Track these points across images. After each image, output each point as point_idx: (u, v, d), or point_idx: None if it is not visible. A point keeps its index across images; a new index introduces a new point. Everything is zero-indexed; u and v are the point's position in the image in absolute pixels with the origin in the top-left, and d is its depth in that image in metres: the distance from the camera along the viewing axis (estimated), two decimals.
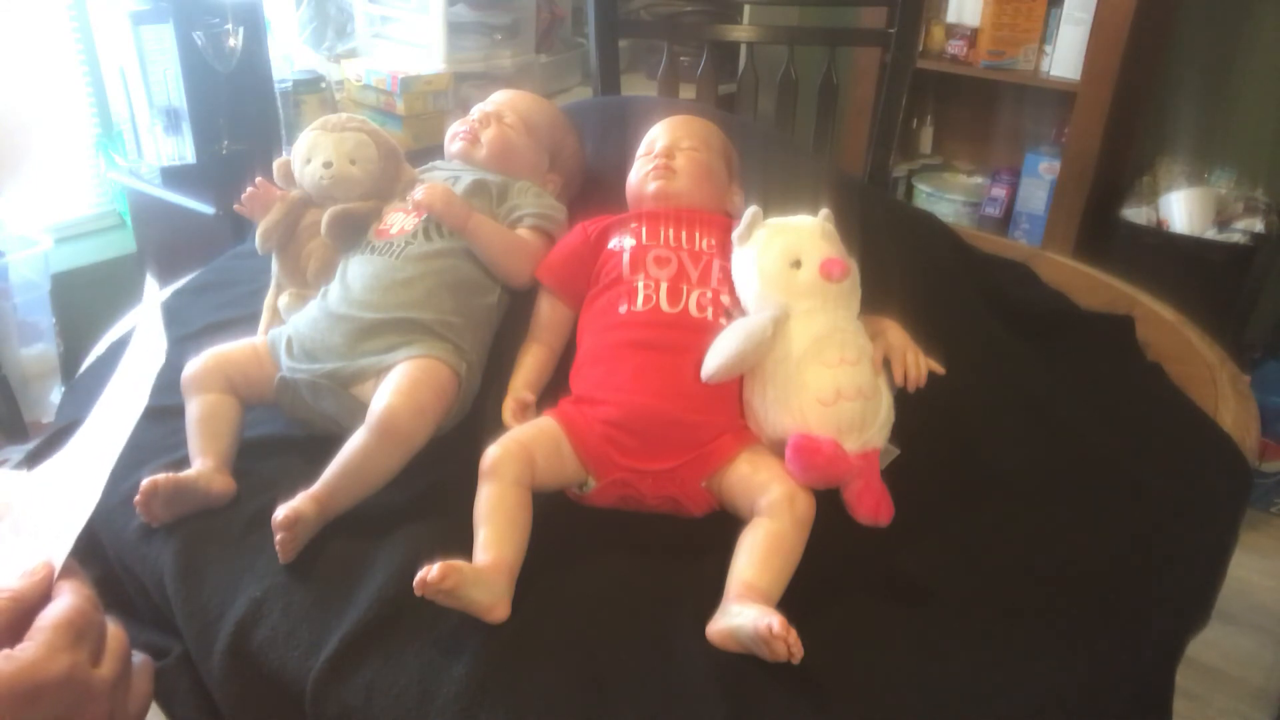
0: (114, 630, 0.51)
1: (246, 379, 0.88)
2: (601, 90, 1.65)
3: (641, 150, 1.02)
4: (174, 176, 1.83)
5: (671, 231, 0.92)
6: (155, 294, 0.65)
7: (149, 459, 0.85)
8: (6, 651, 0.45)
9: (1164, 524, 0.83)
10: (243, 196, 1.02)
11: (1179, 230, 2.07)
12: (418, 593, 0.65)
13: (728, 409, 0.83)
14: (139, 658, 0.53)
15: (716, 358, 0.81)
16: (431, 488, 0.81)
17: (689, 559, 0.76)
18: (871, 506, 0.76)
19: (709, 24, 2.20)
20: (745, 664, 0.65)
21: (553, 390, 0.90)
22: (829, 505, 0.76)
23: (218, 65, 1.74)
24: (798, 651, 0.62)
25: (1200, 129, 2.23)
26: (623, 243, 0.92)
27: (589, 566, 0.75)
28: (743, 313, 0.86)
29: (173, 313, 1.13)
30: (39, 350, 1.91)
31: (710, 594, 0.70)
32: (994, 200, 2.44)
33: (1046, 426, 0.94)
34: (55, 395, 1.91)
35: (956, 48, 2.28)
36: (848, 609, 0.72)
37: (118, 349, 1.07)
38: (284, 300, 1.00)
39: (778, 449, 0.79)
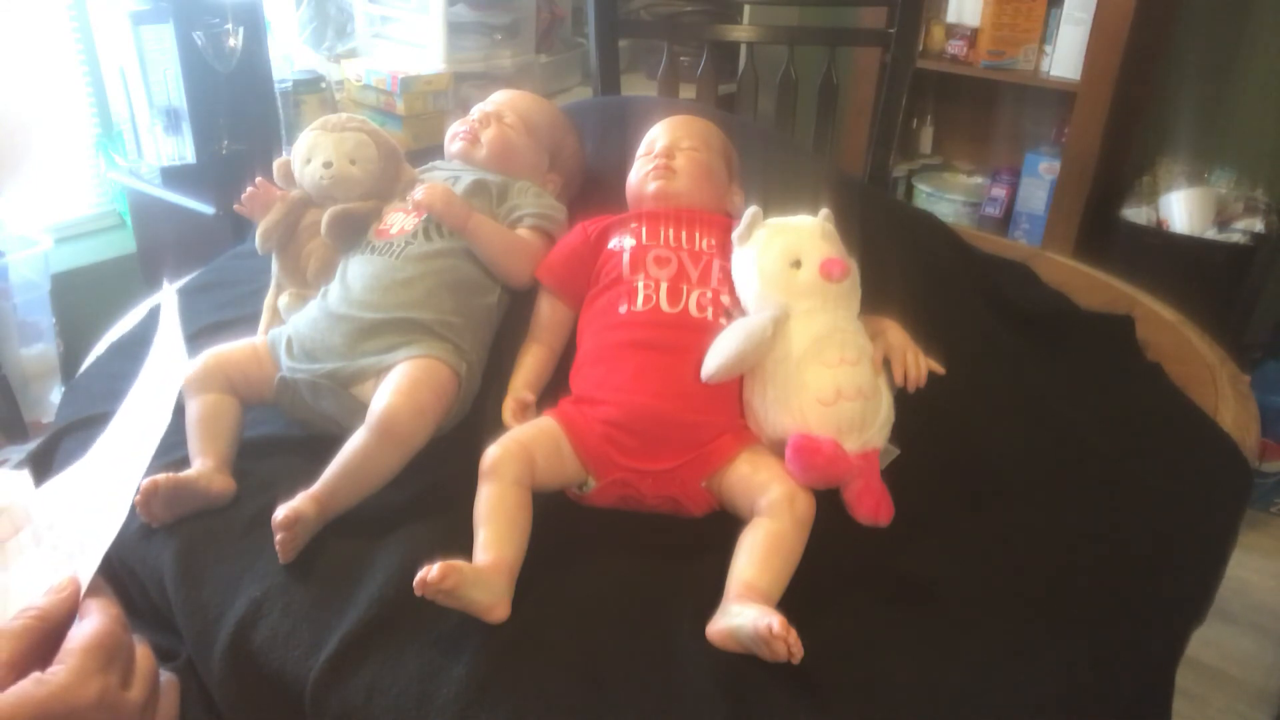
0: (142, 651, 0.51)
1: (246, 379, 0.88)
2: (601, 90, 1.65)
3: (641, 150, 1.02)
4: (174, 176, 1.83)
5: (671, 231, 0.92)
6: (173, 307, 0.65)
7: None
8: (37, 675, 0.45)
9: (1164, 524, 0.83)
10: (243, 196, 1.02)
11: (1179, 230, 2.07)
12: (418, 593, 0.65)
13: (728, 409, 0.83)
14: (166, 677, 0.53)
15: (716, 358, 0.81)
16: (431, 488, 0.81)
17: (689, 559, 0.76)
18: (871, 506, 0.76)
19: (709, 24, 2.20)
20: (745, 664, 0.65)
21: (553, 390, 0.90)
22: (829, 505, 0.76)
23: (218, 65, 1.74)
24: (798, 651, 0.62)
25: (1200, 129, 2.23)
26: (623, 243, 0.92)
27: (589, 566, 0.75)
28: (743, 313, 0.86)
29: None
30: (39, 350, 1.91)
31: (710, 594, 0.70)
32: (994, 200, 2.44)
33: (1046, 426, 0.94)
34: (55, 395, 1.91)
35: (956, 48, 2.28)
36: (848, 609, 0.72)
37: (118, 349, 1.07)
38: (284, 300, 1.00)
39: (778, 449, 0.79)
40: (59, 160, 2.04)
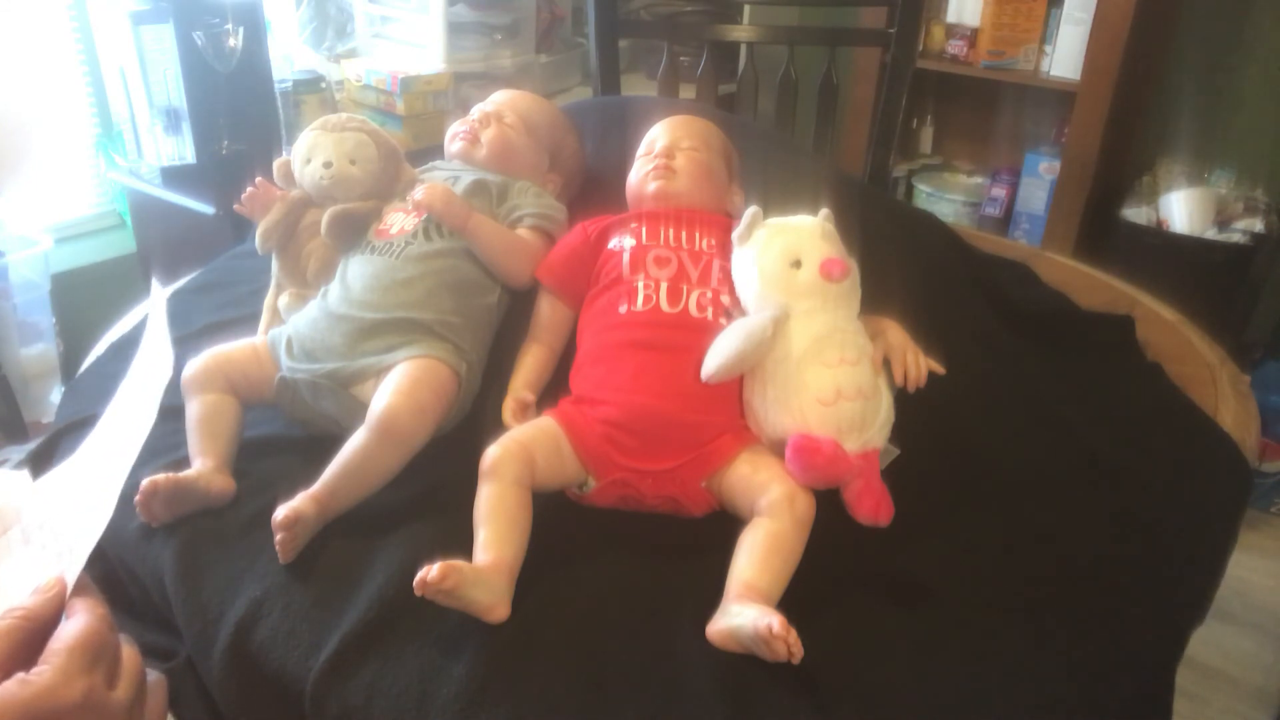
0: (128, 651, 0.50)
1: (246, 379, 0.88)
2: (601, 90, 1.65)
3: (641, 150, 1.02)
4: (174, 176, 1.83)
5: (671, 231, 0.92)
6: (161, 306, 0.65)
7: (149, 459, 0.85)
8: (21, 676, 0.45)
9: (1164, 524, 0.83)
10: (243, 196, 1.02)
11: (1179, 230, 2.07)
12: (418, 593, 0.65)
13: (728, 409, 0.83)
14: (153, 676, 0.53)
15: (716, 358, 0.81)
16: (431, 488, 0.81)
17: (689, 559, 0.76)
18: (871, 506, 0.76)
19: (709, 24, 2.20)
20: (745, 664, 0.65)
21: (553, 390, 0.90)
22: (829, 505, 0.76)
23: (218, 65, 1.74)
24: (798, 651, 0.62)
25: (1200, 129, 2.23)
26: (623, 243, 0.92)
27: (589, 566, 0.75)
28: (743, 313, 0.86)
29: (173, 313, 1.13)
30: (39, 350, 1.91)
31: (710, 594, 0.70)
32: (994, 200, 2.44)
33: (1046, 426, 0.94)
34: (55, 395, 1.91)
35: (956, 48, 2.28)
36: (848, 609, 0.72)
37: (118, 349, 1.07)
38: (284, 300, 1.00)
39: (778, 449, 0.79)
40: (59, 160, 2.04)
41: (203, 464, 0.81)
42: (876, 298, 0.89)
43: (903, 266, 1.01)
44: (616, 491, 0.80)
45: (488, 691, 0.64)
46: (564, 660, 0.67)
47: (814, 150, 1.66)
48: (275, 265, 1.03)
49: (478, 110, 1.07)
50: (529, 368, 0.91)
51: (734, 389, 0.84)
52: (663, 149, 0.98)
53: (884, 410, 0.82)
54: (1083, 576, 0.77)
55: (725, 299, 0.88)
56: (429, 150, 1.41)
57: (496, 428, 0.83)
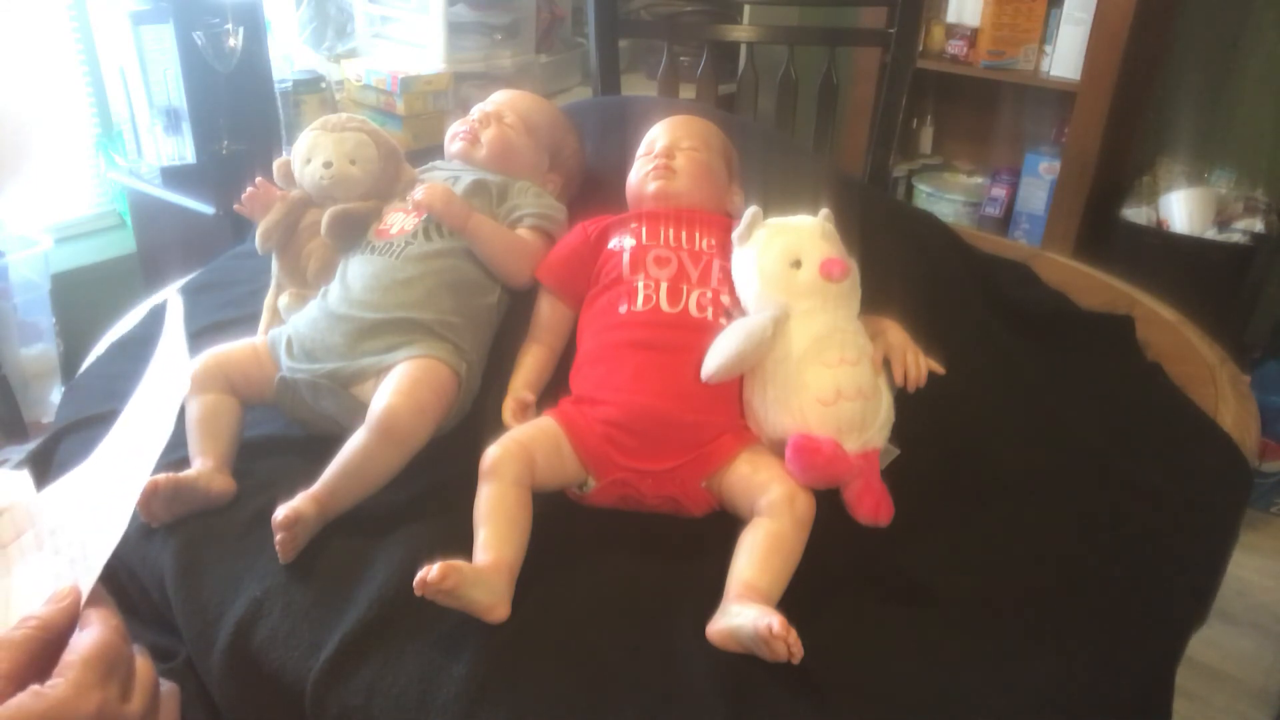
0: (142, 662, 0.50)
1: (246, 379, 0.88)
2: (601, 90, 1.65)
3: (641, 150, 1.02)
4: (174, 176, 1.83)
5: (671, 231, 0.92)
6: (179, 317, 0.65)
7: None
8: (36, 688, 0.45)
9: (1164, 524, 0.83)
10: (243, 196, 1.02)
11: (1179, 230, 2.07)
12: (418, 593, 0.65)
13: (728, 409, 0.83)
14: (166, 686, 0.53)
15: (716, 358, 0.81)
16: (431, 488, 0.81)
17: (689, 559, 0.76)
18: (871, 506, 0.76)
19: (709, 24, 2.20)
20: (745, 664, 0.65)
21: (553, 390, 0.90)
22: (829, 505, 0.76)
23: (218, 65, 1.74)
24: (798, 651, 0.62)
25: (1200, 129, 2.23)
26: (623, 243, 0.92)
27: (589, 566, 0.75)
28: (743, 313, 0.86)
29: None
30: (39, 350, 1.91)
31: (710, 594, 0.70)
32: (994, 200, 2.44)
33: (1046, 426, 0.94)
34: (55, 395, 1.91)
35: (956, 48, 2.28)
36: (848, 609, 0.72)
37: (118, 349, 1.07)
38: (284, 300, 1.00)
39: (778, 449, 0.79)
40: (59, 160, 2.04)
41: (203, 464, 0.81)
42: (876, 298, 0.89)
43: (903, 266, 1.01)
44: (616, 491, 0.80)
45: (488, 691, 0.64)
46: (564, 660, 0.67)
47: (814, 150, 1.66)
48: (275, 265, 1.03)
49: (478, 110, 1.07)
50: (529, 368, 0.91)
51: (734, 389, 0.84)
52: (663, 149, 0.98)
53: (884, 410, 0.82)
54: (1083, 576, 0.77)
55: (725, 299, 0.88)
56: (429, 150, 1.41)
57: (496, 428, 0.83)
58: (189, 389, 0.86)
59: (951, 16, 2.29)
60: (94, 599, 0.50)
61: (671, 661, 0.67)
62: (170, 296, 0.71)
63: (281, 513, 0.73)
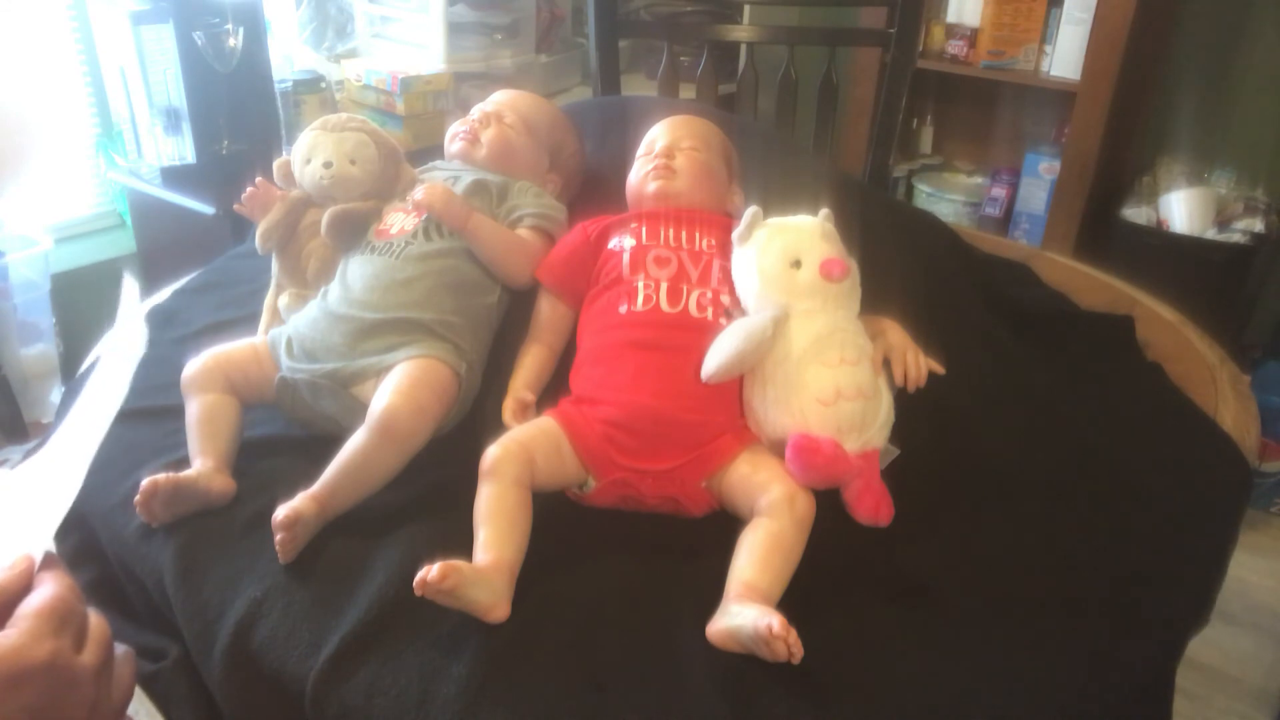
0: (96, 619, 0.51)
1: (246, 379, 0.88)
2: (601, 90, 1.65)
3: (641, 150, 1.02)
4: (174, 176, 1.83)
5: (671, 231, 0.92)
6: (133, 289, 0.66)
7: (149, 459, 0.85)
8: None
9: (1164, 524, 0.83)
10: (243, 196, 1.02)
11: (1179, 230, 2.07)
12: (418, 593, 0.65)
13: (728, 409, 0.83)
14: (121, 649, 0.53)
15: (716, 358, 0.81)
16: (431, 488, 0.81)
17: (689, 559, 0.76)
18: (871, 506, 0.76)
19: (709, 24, 2.20)
20: (745, 664, 0.65)
21: (553, 390, 0.90)
22: (829, 505, 0.76)
23: (218, 65, 1.74)
24: (798, 651, 0.62)
25: (1200, 129, 2.23)
26: (623, 243, 0.92)
27: (589, 566, 0.75)
28: (743, 313, 0.86)
29: (172, 313, 1.13)
30: (39, 350, 1.91)
31: (710, 594, 0.70)
32: (994, 200, 2.44)
33: (1046, 426, 0.94)
34: (55, 395, 1.91)
35: (956, 48, 2.28)
36: (848, 609, 0.72)
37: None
38: (284, 300, 1.00)
39: (778, 449, 0.79)
40: (59, 160, 2.04)
41: (203, 464, 0.81)
42: (876, 298, 0.89)
43: (903, 266, 1.01)
44: (616, 491, 0.80)
45: (488, 691, 0.64)
46: (564, 660, 0.67)
47: (814, 150, 1.66)
48: (275, 265, 1.03)
49: (478, 110, 1.07)
50: (529, 368, 0.91)
51: (734, 389, 0.84)
52: (663, 149, 0.99)
53: (884, 410, 0.82)
54: (1082, 576, 0.77)
55: (725, 299, 0.88)
56: (429, 150, 1.41)
57: (496, 428, 0.83)
58: (189, 388, 0.86)
59: (951, 16, 2.29)
60: (47, 563, 0.51)
61: (671, 661, 0.67)
62: (125, 279, 0.72)
63: (281, 513, 0.73)
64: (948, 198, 2.51)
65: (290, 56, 2.16)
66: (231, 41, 1.73)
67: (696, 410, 0.81)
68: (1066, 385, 1.02)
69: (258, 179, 1.02)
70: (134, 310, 0.65)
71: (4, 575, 0.50)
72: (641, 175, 0.99)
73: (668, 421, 0.80)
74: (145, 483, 0.77)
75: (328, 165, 1.00)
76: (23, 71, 1.91)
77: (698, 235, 0.92)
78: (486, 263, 0.94)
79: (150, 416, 0.92)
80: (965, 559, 0.78)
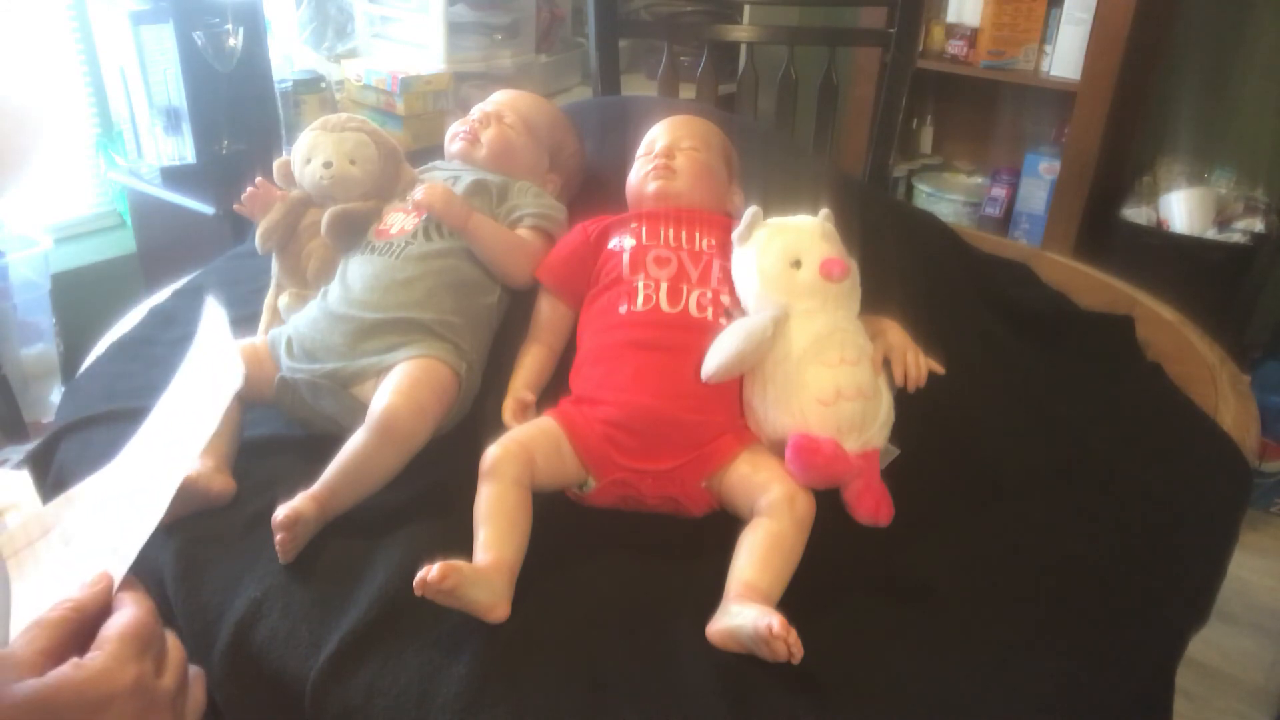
0: (173, 642, 0.53)
1: (246, 379, 0.88)
2: (601, 90, 1.65)
3: (641, 150, 1.02)
4: (174, 176, 1.83)
5: (671, 231, 0.92)
6: (223, 319, 0.67)
7: None
8: (76, 660, 0.47)
9: (1164, 524, 0.83)
10: (243, 196, 1.02)
11: (1179, 230, 2.07)
12: (418, 593, 0.65)
13: (728, 409, 0.83)
14: (194, 669, 0.55)
15: (716, 358, 0.81)
16: (431, 488, 0.81)
17: (689, 559, 0.76)
18: (871, 506, 0.76)
19: (709, 24, 2.20)
20: (745, 664, 0.65)
21: (553, 390, 0.90)
22: (829, 505, 0.76)
23: (218, 65, 1.74)
24: (798, 651, 0.62)
25: (1200, 129, 2.23)
26: (623, 243, 0.92)
27: (589, 567, 0.75)
28: (743, 313, 0.86)
29: (172, 313, 1.13)
30: (39, 350, 1.91)
31: (710, 594, 0.70)
32: (994, 200, 2.44)
33: (1046, 426, 0.94)
34: (55, 395, 1.91)
35: (956, 48, 2.28)
36: (848, 609, 0.72)
37: (118, 349, 1.07)
38: (284, 300, 1.00)
39: (778, 449, 0.79)
40: (59, 160, 2.04)
41: (203, 464, 0.81)
42: (876, 298, 0.89)
43: (903, 266, 1.01)
44: (616, 491, 0.80)
45: (488, 691, 0.64)
46: (564, 660, 0.67)
47: (814, 150, 1.66)
48: (275, 265, 1.03)
49: (478, 110, 1.07)
50: (529, 368, 0.91)
51: (734, 389, 0.84)
52: (663, 149, 0.99)
53: (884, 410, 0.82)
54: (1082, 576, 0.77)
55: (725, 299, 0.88)
56: (429, 150, 1.41)
57: (496, 428, 0.83)
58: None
59: (951, 16, 2.29)
60: (125, 584, 0.53)
61: (671, 661, 0.67)
62: (209, 304, 0.73)
63: (281, 513, 0.73)
64: (948, 198, 2.51)
65: (290, 56, 2.16)
66: (231, 41, 1.73)
67: (696, 410, 0.81)
68: (1066, 385, 1.02)
69: (258, 179, 1.02)
70: (227, 340, 0.65)
71: (84, 592, 0.51)
72: (641, 175, 0.99)
73: (668, 421, 0.80)
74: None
75: (328, 165, 1.00)
76: (23, 71, 1.91)
77: (698, 235, 0.92)
78: (486, 263, 0.94)
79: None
80: (965, 559, 0.78)
